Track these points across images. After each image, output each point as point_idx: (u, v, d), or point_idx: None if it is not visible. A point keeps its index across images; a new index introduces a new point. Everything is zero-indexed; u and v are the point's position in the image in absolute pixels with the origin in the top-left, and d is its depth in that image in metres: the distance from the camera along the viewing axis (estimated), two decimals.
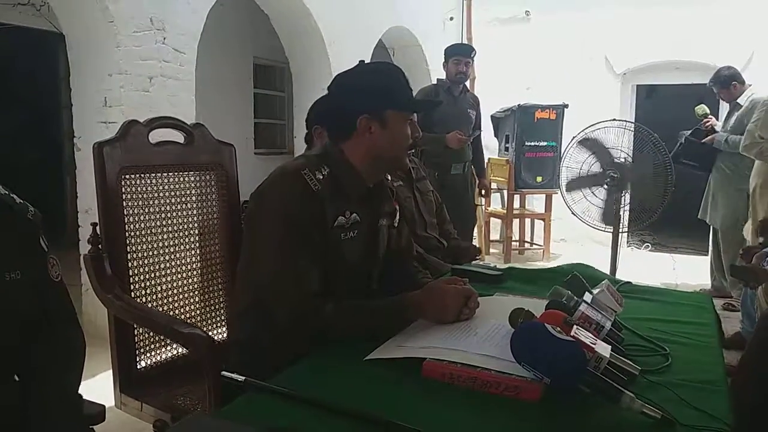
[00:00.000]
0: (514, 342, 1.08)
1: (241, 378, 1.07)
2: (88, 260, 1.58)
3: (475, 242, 5.07)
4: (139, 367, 1.71)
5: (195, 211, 1.94)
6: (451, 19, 7.02)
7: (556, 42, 6.72)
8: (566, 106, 5.89)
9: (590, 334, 1.15)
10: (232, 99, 6.55)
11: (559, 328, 1.08)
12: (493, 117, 6.12)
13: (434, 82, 4.51)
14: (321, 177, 1.38)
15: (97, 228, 1.62)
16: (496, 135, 6.25)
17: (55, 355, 1.18)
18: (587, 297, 1.35)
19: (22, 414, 1.11)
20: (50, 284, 1.20)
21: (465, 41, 6.21)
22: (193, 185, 1.94)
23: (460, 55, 4.02)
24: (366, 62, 1.53)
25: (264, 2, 4.89)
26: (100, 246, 1.60)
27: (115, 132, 1.77)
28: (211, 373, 1.31)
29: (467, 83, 4.33)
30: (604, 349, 1.10)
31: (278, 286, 1.35)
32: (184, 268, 1.90)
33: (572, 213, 3.80)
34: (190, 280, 1.91)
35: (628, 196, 3.76)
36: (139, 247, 1.75)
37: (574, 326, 1.14)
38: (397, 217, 1.63)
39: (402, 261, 1.67)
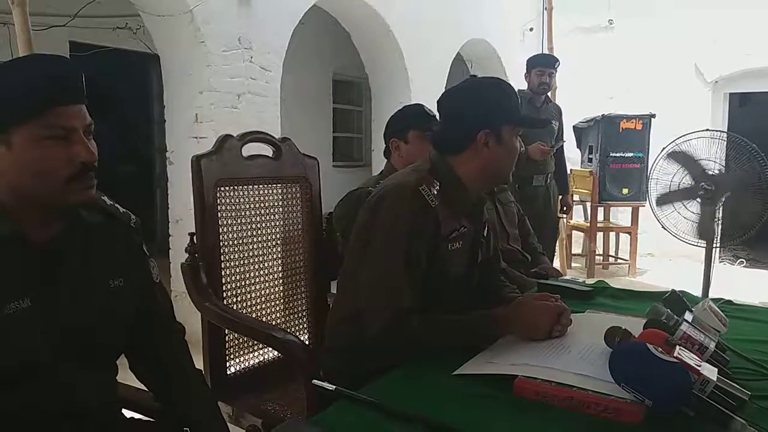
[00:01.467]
0: (613, 362, 1.04)
1: (331, 387, 1.09)
2: (186, 268, 1.65)
3: (556, 256, 4.93)
4: (228, 372, 1.76)
5: (281, 222, 2.00)
6: (531, 29, 6.93)
7: (641, 50, 6.49)
8: (653, 115, 5.67)
9: (694, 356, 1.10)
10: (312, 114, 6.72)
11: (660, 349, 1.03)
12: (575, 128, 5.97)
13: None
14: (435, 192, 1.41)
15: (194, 238, 1.68)
16: (578, 146, 6.08)
17: (171, 343, 1.29)
18: (688, 316, 1.28)
19: (164, 399, 1.26)
20: (153, 285, 1.27)
21: (546, 51, 6.10)
22: (280, 197, 2.00)
23: (543, 65, 3.96)
24: (478, 77, 1.57)
25: (345, 19, 5.00)
26: (196, 255, 1.67)
27: (206, 147, 1.85)
28: (306, 379, 1.33)
29: (549, 93, 4.25)
30: (710, 372, 1.04)
31: (374, 298, 1.37)
32: (270, 276, 1.96)
33: (663, 227, 3.63)
34: (275, 288, 1.96)
35: (721, 209, 3.56)
36: (231, 256, 1.81)
37: (677, 347, 1.09)
38: (488, 227, 1.62)
39: (489, 273, 1.65)
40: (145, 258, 1.25)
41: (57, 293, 1.07)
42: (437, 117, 2.24)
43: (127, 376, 1.27)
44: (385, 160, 2.27)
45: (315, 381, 1.11)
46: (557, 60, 4.16)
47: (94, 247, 1.14)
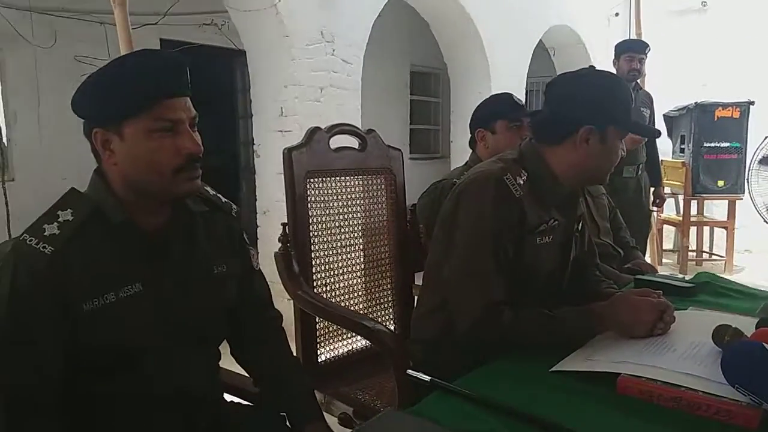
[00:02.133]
0: (726, 362, 0.98)
1: (427, 378, 1.08)
2: (279, 257, 1.69)
3: (646, 252, 4.72)
4: (319, 360, 1.80)
5: (366, 213, 2.01)
6: (617, 14, 6.65)
7: (737, 33, 6.09)
8: (752, 103, 5.31)
9: None
10: (390, 106, 6.73)
11: None
12: (665, 116, 5.68)
13: None
14: (522, 182, 1.37)
15: (287, 228, 1.72)
16: (669, 135, 5.79)
17: (270, 329, 1.34)
18: None
19: (263, 384, 1.31)
20: (253, 272, 1.31)
21: (633, 37, 5.84)
22: (365, 188, 2.02)
23: (633, 51, 3.78)
24: (595, 68, 1.48)
25: (424, 10, 4.97)
26: (288, 244, 1.71)
27: (290, 140, 1.88)
28: (398, 369, 1.34)
29: (638, 80, 4.06)
30: None
31: (462, 291, 1.35)
32: (357, 267, 1.98)
33: (765, 221, 3.40)
34: (362, 279, 1.99)
35: None
36: (320, 246, 1.84)
37: None
38: (583, 221, 1.56)
39: (584, 268, 1.60)
40: (245, 246, 1.29)
41: (164, 279, 1.12)
42: (525, 108, 2.19)
43: (228, 362, 1.31)
44: (470, 152, 2.25)
45: (410, 371, 1.11)
46: (647, 45, 3.97)
47: (199, 235, 1.19)
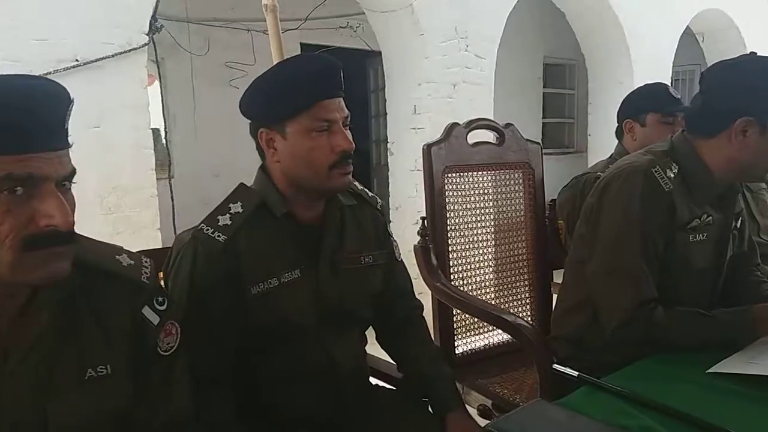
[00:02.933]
0: None
1: (574, 373, 1.07)
2: (418, 250, 1.74)
3: None
4: (457, 352, 1.83)
5: (504, 208, 2.01)
6: None
7: None
8: None
9: None
10: (521, 99, 6.61)
11: None
12: None
13: None
14: (672, 175, 1.30)
15: (425, 221, 1.77)
16: None
17: (412, 318, 1.40)
18: None
19: (406, 370, 1.37)
20: (396, 263, 1.37)
21: None
22: (503, 183, 2.01)
23: None
24: (758, 54, 1.37)
25: (561, 1, 4.83)
26: (426, 237, 1.76)
27: (423, 137, 1.91)
28: (542, 364, 1.34)
29: None
30: None
31: (609, 290, 1.31)
32: (494, 261, 1.98)
33: None
34: (500, 274, 1.99)
35: None
36: (457, 240, 1.87)
37: None
38: (742, 218, 1.46)
39: (744, 267, 1.49)
40: (389, 238, 1.36)
41: (319, 266, 1.21)
42: (681, 101, 2.06)
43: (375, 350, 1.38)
44: (610, 147, 2.16)
45: (556, 366, 1.10)
46: None
47: (349, 226, 1.27)
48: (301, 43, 5.15)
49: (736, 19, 5.73)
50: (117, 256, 0.92)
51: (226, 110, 3.87)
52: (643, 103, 1.99)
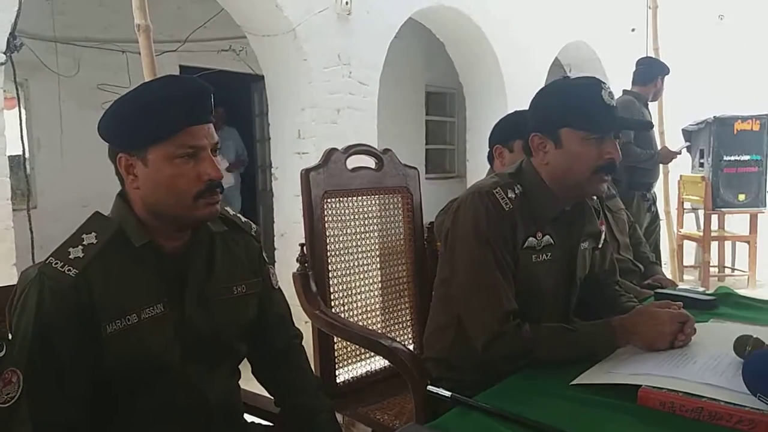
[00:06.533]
0: (747, 371, 0.97)
1: (447, 393, 1.08)
2: (297, 277, 1.71)
3: (666, 267, 4.66)
4: (338, 381, 1.80)
5: (383, 232, 2.02)
6: (633, 30, 6.64)
7: (755, 45, 6.06)
8: None
9: None
10: (405, 126, 6.77)
11: None
12: (684, 131, 5.65)
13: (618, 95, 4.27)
14: (513, 196, 1.36)
15: (304, 248, 1.74)
16: (688, 150, 5.75)
17: (290, 348, 1.35)
18: None
19: (283, 404, 1.31)
20: (272, 291, 1.32)
21: (651, 52, 5.84)
22: (383, 207, 2.03)
23: (666, 73, 3.87)
24: (570, 78, 1.47)
25: (439, 31, 5.03)
26: (306, 264, 1.72)
27: (308, 162, 1.90)
28: (416, 387, 1.34)
29: None
30: None
31: (474, 307, 1.34)
32: (374, 286, 1.98)
33: None
34: (380, 298, 1.99)
35: None
36: (338, 266, 1.86)
37: None
38: (602, 238, 1.55)
39: (605, 285, 1.59)
40: (265, 265, 1.31)
41: (185, 299, 1.14)
42: None
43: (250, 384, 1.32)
44: (487, 170, 2.24)
45: (430, 387, 1.11)
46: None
47: (218, 255, 1.21)
48: (180, 65, 4.98)
49: (598, 52, 6.24)
50: None
51: (96, 135, 3.62)
52: (510, 130, 2.08)
